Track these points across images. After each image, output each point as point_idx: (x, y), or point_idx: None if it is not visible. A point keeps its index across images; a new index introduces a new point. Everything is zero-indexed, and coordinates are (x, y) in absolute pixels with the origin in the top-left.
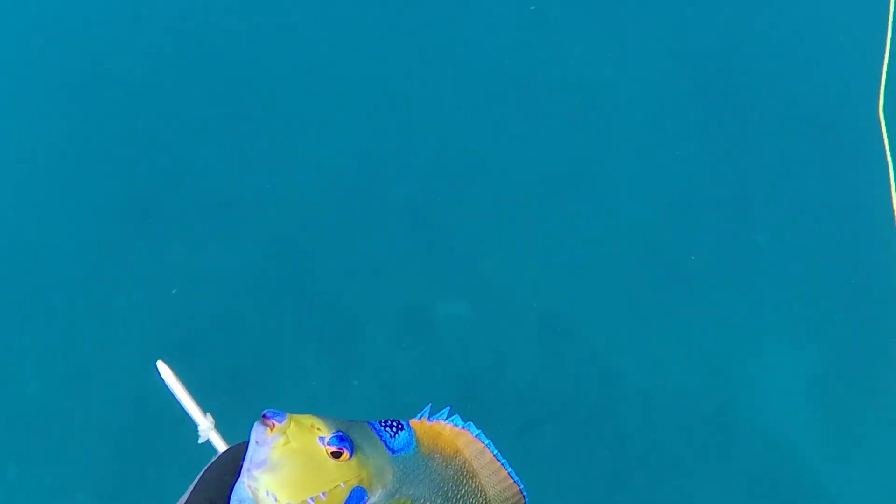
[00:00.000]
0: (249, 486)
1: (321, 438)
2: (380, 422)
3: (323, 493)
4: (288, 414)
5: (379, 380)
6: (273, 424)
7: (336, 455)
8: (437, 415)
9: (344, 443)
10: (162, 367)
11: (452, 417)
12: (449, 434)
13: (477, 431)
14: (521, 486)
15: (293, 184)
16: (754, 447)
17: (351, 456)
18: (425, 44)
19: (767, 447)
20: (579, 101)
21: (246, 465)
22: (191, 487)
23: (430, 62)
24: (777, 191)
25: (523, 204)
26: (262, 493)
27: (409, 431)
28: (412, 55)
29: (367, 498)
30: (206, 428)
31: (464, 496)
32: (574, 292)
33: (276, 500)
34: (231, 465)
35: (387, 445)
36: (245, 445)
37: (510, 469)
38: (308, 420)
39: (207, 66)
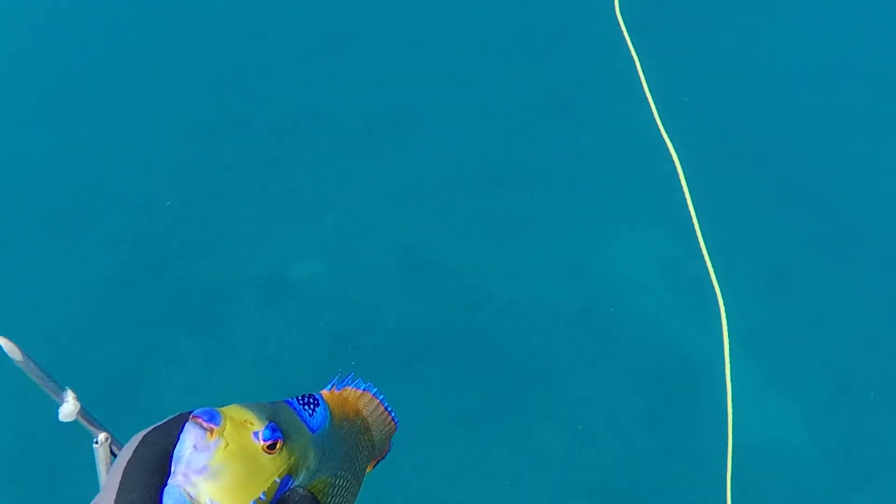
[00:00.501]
0: (188, 493)
1: (255, 434)
2: (297, 399)
3: (263, 494)
4: (221, 412)
5: (252, 353)
6: (211, 428)
7: (271, 448)
8: (344, 382)
9: (277, 433)
10: (5, 343)
11: (356, 382)
12: (352, 398)
13: (374, 390)
14: (396, 419)
15: (128, 176)
16: (625, 337)
17: (283, 446)
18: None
19: (636, 334)
20: (394, 39)
21: (182, 469)
22: (113, 489)
23: (238, 22)
24: (585, 90)
25: (354, 149)
26: (203, 501)
27: (324, 406)
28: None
29: (291, 482)
30: (72, 410)
31: (360, 451)
32: (424, 225)
33: None
34: (152, 464)
35: (308, 426)
36: (158, 435)
37: (393, 412)
38: (239, 414)
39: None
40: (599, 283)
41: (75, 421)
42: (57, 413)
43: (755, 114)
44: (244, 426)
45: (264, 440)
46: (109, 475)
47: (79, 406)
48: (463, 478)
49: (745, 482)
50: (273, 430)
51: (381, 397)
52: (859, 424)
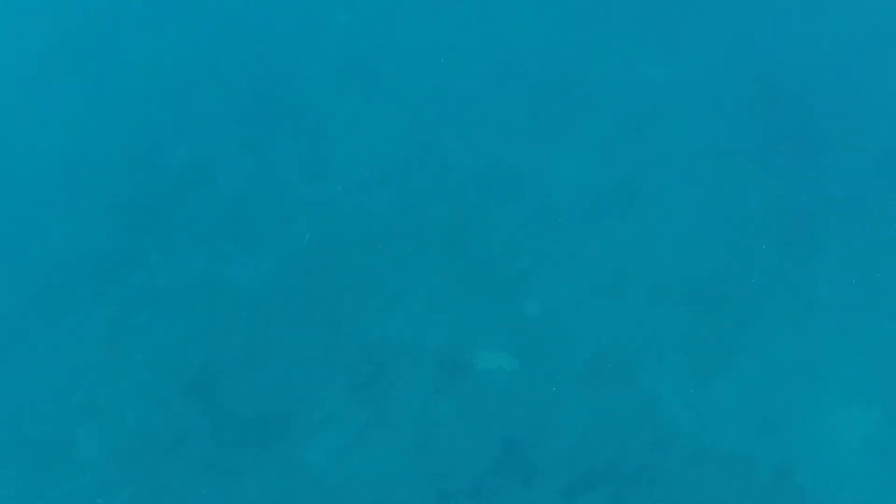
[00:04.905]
0: None
1: None
2: None
3: None
4: None
5: (412, 435)
6: None
7: None
8: None
9: None
10: None
11: None
12: None
13: None
14: None
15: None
16: None
17: None
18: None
19: None
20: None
21: None
22: None
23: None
24: (840, 229)
25: (568, 230)
26: None
27: None
28: None
29: None
30: None
31: None
32: (622, 331)
33: None
34: None
35: None
36: None
37: None
38: None
39: None
40: (801, 449)
41: None
42: None
43: None
44: None
45: None
46: None
47: None
48: None
49: None
50: None
51: None
52: None
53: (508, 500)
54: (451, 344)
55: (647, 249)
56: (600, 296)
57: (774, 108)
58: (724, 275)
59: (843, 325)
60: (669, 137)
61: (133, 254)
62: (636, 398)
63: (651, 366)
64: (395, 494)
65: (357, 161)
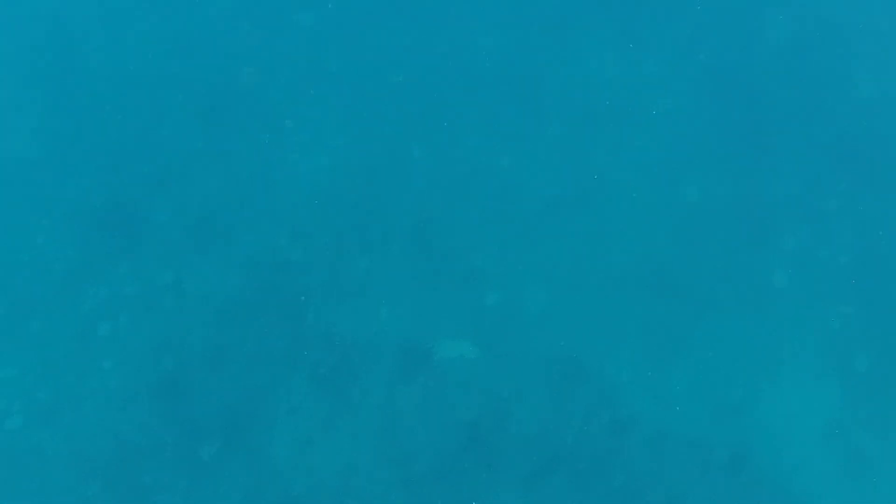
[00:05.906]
0: None
1: None
2: None
3: None
4: None
5: (377, 422)
6: None
7: None
8: None
9: None
10: None
11: None
12: None
13: None
14: None
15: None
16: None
17: None
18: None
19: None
20: (591, 117)
21: None
22: None
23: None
24: (794, 220)
25: (529, 225)
26: None
27: None
28: None
29: None
30: None
31: None
32: (582, 323)
33: None
34: None
35: None
36: None
37: None
38: None
39: None
40: (757, 434)
41: None
42: None
43: None
44: None
45: None
46: None
47: None
48: None
49: None
50: None
51: None
52: None
53: (472, 485)
54: (412, 334)
55: (605, 241)
56: (559, 286)
57: (729, 102)
58: (680, 265)
59: (798, 312)
60: (626, 133)
61: (98, 257)
62: (595, 384)
63: (610, 352)
64: (360, 482)
65: (320, 160)
